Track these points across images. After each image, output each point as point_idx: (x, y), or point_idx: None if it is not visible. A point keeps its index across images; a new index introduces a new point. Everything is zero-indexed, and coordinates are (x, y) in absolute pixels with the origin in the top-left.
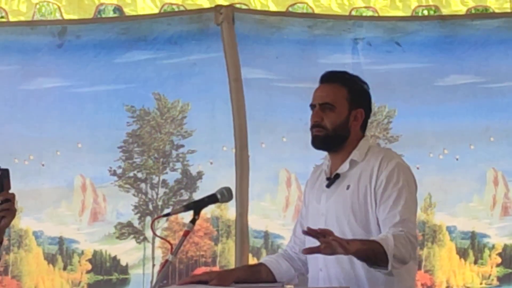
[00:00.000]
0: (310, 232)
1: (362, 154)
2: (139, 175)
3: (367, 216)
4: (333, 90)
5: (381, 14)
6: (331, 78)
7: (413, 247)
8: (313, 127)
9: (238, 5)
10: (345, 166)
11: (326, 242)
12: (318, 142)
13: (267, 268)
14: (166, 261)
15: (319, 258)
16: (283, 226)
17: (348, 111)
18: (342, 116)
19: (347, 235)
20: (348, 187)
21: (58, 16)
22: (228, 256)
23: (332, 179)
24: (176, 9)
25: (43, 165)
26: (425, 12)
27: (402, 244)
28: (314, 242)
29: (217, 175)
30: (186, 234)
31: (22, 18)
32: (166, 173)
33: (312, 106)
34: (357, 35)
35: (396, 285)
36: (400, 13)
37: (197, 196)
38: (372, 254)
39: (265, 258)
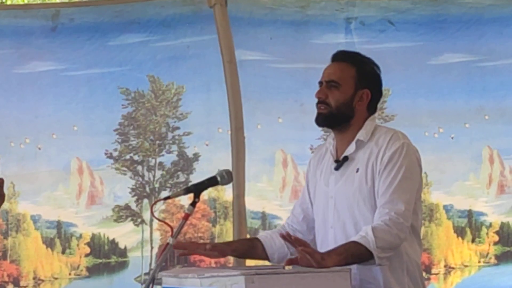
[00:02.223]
0: (287, 239)
1: (368, 133)
2: (136, 157)
3: (376, 199)
4: (340, 69)
5: None
6: (341, 57)
7: (401, 227)
8: (317, 103)
9: None
10: (351, 147)
11: (302, 253)
12: (321, 119)
13: (261, 244)
14: (167, 244)
15: (330, 238)
16: (280, 207)
17: (353, 90)
18: (347, 95)
19: (358, 218)
20: (357, 170)
21: None
22: (226, 237)
23: (341, 162)
24: None
25: (39, 148)
26: None
27: (384, 231)
28: (324, 219)
29: (213, 157)
30: (187, 217)
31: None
32: (163, 155)
33: (320, 83)
34: (350, 15)
35: (405, 262)
36: None
37: (194, 178)
38: (353, 258)
39: (261, 234)
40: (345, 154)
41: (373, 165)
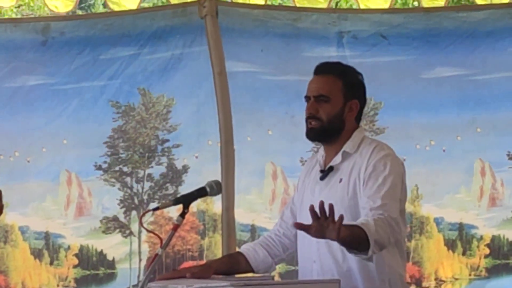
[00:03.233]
0: (312, 212)
1: (355, 145)
2: (125, 169)
3: (357, 209)
4: (328, 82)
5: (361, 4)
6: (325, 70)
7: (393, 231)
8: (308, 118)
9: None
10: (338, 158)
11: (320, 225)
12: (314, 134)
13: (244, 258)
14: (156, 255)
15: (313, 249)
16: (270, 219)
17: (343, 102)
18: (337, 108)
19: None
20: (340, 180)
21: (40, 3)
22: (215, 250)
23: (326, 172)
24: (160, 0)
25: (28, 161)
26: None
27: (382, 228)
28: (306, 221)
29: (202, 169)
30: (176, 228)
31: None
32: (152, 167)
33: (307, 98)
34: (342, 28)
35: (387, 273)
36: (381, 3)
37: (183, 190)
38: (354, 240)
39: (243, 247)
40: (330, 164)
41: (357, 176)
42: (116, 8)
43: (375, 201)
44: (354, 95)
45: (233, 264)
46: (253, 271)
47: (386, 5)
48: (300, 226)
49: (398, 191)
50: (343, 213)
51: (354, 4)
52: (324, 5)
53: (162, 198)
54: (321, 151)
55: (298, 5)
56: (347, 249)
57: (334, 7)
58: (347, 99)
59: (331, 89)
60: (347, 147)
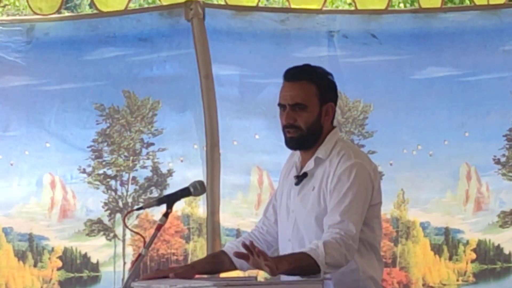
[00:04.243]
0: (246, 248)
1: (328, 150)
2: (109, 172)
3: None
4: (302, 89)
5: (356, 1)
6: (297, 75)
7: (349, 249)
8: (285, 127)
9: None
10: (311, 164)
11: (255, 260)
12: (294, 143)
13: (228, 257)
14: (139, 255)
15: (288, 249)
16: (255, 224)
17: (319, 107)
18: (314, 114)
19: (313, 236)
20: (313, 188)
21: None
22: (200, 254)
23: (300, 177)
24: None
25: (11, 164)
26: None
27: (334, 249)
28: (284, 230)
29: (187, 173)
30: (159, 227)
31: None
32: (136, 170)
33: (282, 106)
34: (332, 28)
35: (360, 278)
36: (378, 4)
37: (167, 193)
38: (301, 270)
39: (226, 245)
40: (304, 170)
41: (325, 186)
42: (103, 7)
43: (334, 218)
44: (329, 97)
45: (216, 263)
46: (236, 269)
47: (382, 6)
48: (239, 255)
49: (360, 203)
50: (315, 222)
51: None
52: (318, 5)
53: (146, 202)
54: (298, 152)
55: (292, 6)
56: (301, 276)
57: (328, 8)
58: (323, 103)
59: (306, 95)
60: (320, 152)
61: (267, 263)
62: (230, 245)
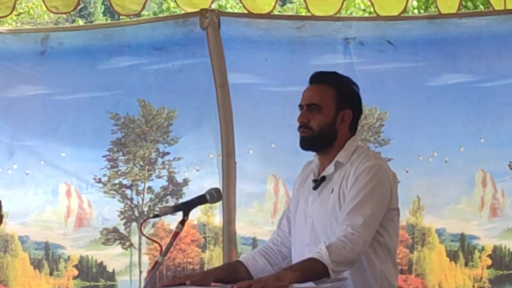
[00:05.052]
0: None
1: (348, 155)
2: (125, 181)
3: None
4: (320, 91)
5: (374, 4)
6: (320, 79)
7: (355, 242)
8: (300, 127)
9: (227, 0)
10: (330, 168)
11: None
12: (305, 143)
13: (244, 266)
14: (156, 262)
15: (305, 254)
16: (271, 233)
17: (335, 112)
18: (328, 117)
19: (331, 239)
20: (332, 191)
21: (40, 11)
22: (216, 263)
23: (319, 182)
24: (164, 4)
25: (27, 174)
26: (415, 3)
27: (338, 246)
28: (301, 236)
29: (203, 182)
30: (176, 235)
31: (3, 7)
32: (152, 179)
33: (300, 106)
34: (348, 35)
35: (379, 280)
36: (393, 3)
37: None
38: (310, 274)
39: (242, 256)
40: (323, 174)
41: (344, 187)
42: (121, 10)
43: (343, 214)
44: (347, 104)
45: (232, 272)
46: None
47: (399, 11)
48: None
49: (375, 198)
50: (335, 223)
51: (359, 11)
52: (333, 11)
53: (162, 210)
54: (316, 159)
55: (311, 11)
56: (314, 282)
57: (343, 14)
58: (340, 108)
59: (323, 98)
60: (340, 157)
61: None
62: (246, 255)
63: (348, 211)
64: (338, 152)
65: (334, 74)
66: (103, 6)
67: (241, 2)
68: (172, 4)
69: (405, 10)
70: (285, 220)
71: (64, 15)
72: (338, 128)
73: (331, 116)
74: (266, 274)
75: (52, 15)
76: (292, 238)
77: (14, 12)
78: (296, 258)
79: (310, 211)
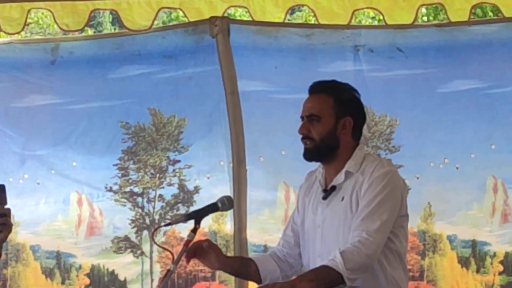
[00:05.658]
0: None
1: (358, 164)
2: (136, 189)
3: None
4: (319, 101)
5: (384, 14)
6: (317, 88)
7: (369, 247)
8: (302, 139)
9: (235, 8)
10: (340, 178)
11: None
12: (309, 155)
13: (255, 265)
14: (168, 270)
15: (317, 265)
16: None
17: (335, 120)
18: (329, 126)
19: (342, 248)
20: (342, 199)
21: (49, 21)
22: None
23: (328, 191)
24: (173, 15)
25: (38, 183)
26: (424, 11)
27: (352, 253)
28: (312, 246)
29: (214, 190)
30: (188, 243)
31: (14, 24)
32: (163, 187)
33: (301, 118)
34: (357, 42)
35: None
36: (403, 13)
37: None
38: (325, 283)
39: (254, 256)
40: (333, 183)
41: (357, 193)
42: (130, 25)
43: (357, 220)
44: (347, 112)
45: (244, 265)
46: (259, 281)
47: (410, 20)
48: None
49: (388, 205)
50: (347, 231)
51: (368, 18)
52: (345, 21)
53: (174, 218)
54: (320, 169)
55: (320, 20)
56: None
57: (353, 22)
58: (340, 116)
59: (321, 107)
60: (350, 166)
61: None
62: (258, 256)
63: (363, 217)
64: (344, 161)
65: (332, 83)
66: (111, 16)
67: (250, 15)
68: (181, 13)
69: (415, 20)
70: (290, 231)
71: None
72: (340, 136)
73: (331, 125)
74: (274, 277)
75: (57, 19)
76: (301, 248)
77: (20, 31)
78: (308, 268)
79: (319, 221)
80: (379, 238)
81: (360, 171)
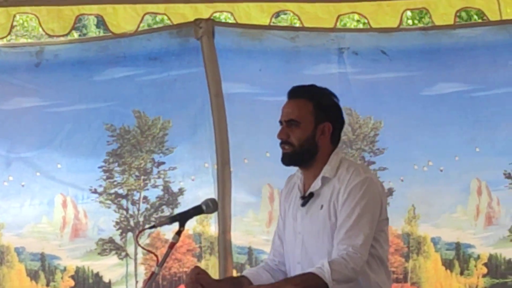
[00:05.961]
0: None
1: (334, 169)
2: (120, 191)
3: None
4: (298, 106)
5: (369, 19)
6: (297, 93)
7: (356, 261)
8: (280, 144)
9: (220, 14)
10: (317, 184)
11: None
12: (287, 159)
13: (248, 280)
14: (152, 273)
15: (297, 272)
16: (267, 242)
17: (314, 125)
18: (307, 132)
19: (324, 255)
20: (321, 207)
21: (35, 23)
22: (211, 272)
23: (307, 198)
24: (158, 18)
25: (23, 185)
26: (409, 14)
27: (340, 265)
28: (292, 252)
29: (199, 192)
30: (172, 246)
31: (0, 29)
32: (147, 189)
33: (280, 122)
34: (342, 45)
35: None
36: (388, 17)
37: (179, 212)
38: None
39: (246, 271)
40: (310, 190)
41: (335, 202)
42: (115, 29)
43: (341, 233)
44: (326, 117)
45: (236, 284)
46: None
47: (395, 24)
48: None
49: (369, 216)
50: (327, 239)
51: (353, 21)
52: (330, 25)
53: (158, 220)
54: (299, 173)
55: (305, 24)
56: None
57: (338, 25)
58: (319, 121)
59: (301, 112)
60: (326, 172)
61: None
62: (249, 271)
63: (346, 230)
64: (322, 166)
65: (311, 88)
66: (95, 19)
67: (235, 20)
68: (166, 18)
69: (400, 24)
70: (278, 239)
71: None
72: (318, 141)
73: (310, 130)
74: None
75: (42, 23)
76: (284, 253)
77: (6, 36)
78: (289, 274)
79: (299, 228)
80: (365, 252)
81: (336, 176)
